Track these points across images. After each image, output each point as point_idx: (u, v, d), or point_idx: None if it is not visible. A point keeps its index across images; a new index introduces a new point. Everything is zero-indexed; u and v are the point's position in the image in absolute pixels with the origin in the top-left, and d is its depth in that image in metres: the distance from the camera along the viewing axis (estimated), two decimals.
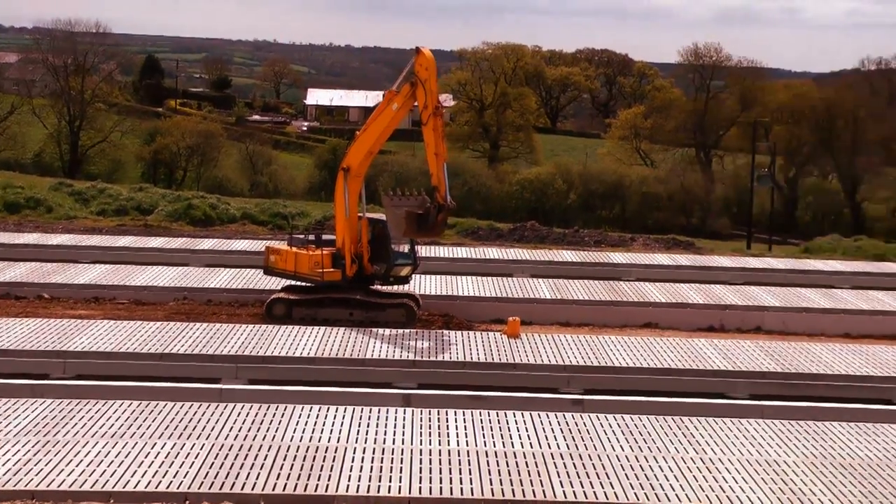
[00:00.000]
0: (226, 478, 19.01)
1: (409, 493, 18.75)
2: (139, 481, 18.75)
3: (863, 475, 20.51)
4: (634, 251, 51.95)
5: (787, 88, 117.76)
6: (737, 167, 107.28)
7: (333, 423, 22.24)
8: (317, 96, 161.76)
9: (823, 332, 36.46)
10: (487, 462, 20.27)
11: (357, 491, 18.72)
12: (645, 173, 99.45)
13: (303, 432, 21.62)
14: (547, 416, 23.26)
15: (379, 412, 22.99)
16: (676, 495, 19.09)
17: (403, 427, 22.12)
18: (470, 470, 19.81)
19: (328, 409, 23.06)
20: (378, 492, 18.73)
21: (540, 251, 48.08)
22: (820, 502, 19.07)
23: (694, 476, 20.03)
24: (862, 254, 59.49)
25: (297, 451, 20.45)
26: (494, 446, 21.23)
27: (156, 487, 18.55)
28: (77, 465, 19.37)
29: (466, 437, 21.70)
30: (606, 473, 19.94)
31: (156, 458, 19.85)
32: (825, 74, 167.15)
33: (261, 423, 22.02)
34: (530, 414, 23.31)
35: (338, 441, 21.17)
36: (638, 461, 20.70)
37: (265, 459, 19.93)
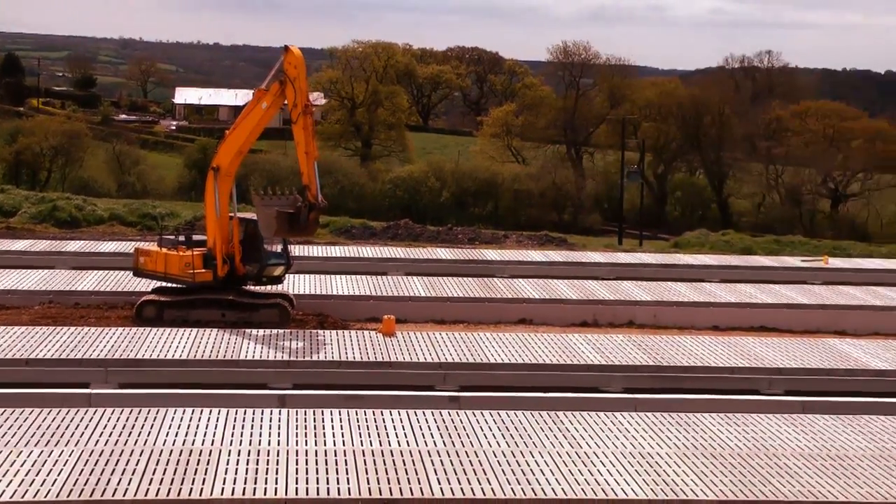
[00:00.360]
0: (96, 484, 18.53)
1: (286, 494, 18.51)
2: (4, 490, 18.15)
3: (732, 464, 20.89)
4: (508, 248, 52.28)
5: (654, 86, 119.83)
6: (607, 164, 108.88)
7: (207, 425, 21.87)
8: (185, 95, 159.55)
9: (693, 325, 37.14)
10: (364, 461, 20.13)
11: (232, 494, 18.42)
12: (517, 171, 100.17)
13: (175, 436, 21.21)
14: (423, 413, 23.21)
15: (253, 414, 22.68)
16: (552, 489, 19.19)
17: (279, 428, 21.85)
18: (346, 469, 19.64)
19: (201, 411, 22.67)
20: (253, 494, 18.45)
21: (414, 249, 48.09)
22: (692, 492, 19.35)
23: (569, 469, 20.16)
24: (729, 248, 60.82)
25: (169, 455, 20.05)
26: (371, 445, 21.10)
27: (23, 496, 17.97)
28: None
29: (342, 436, 21.53)
30: (483, 469, 19.96)
31: (22, 466, 19.25)
32: (691, 72, 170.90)
33: (132, 428, 21.54)
34: (406, 412, 23.22)
35: (212, 444, 20.82)
36: (514, 456, 20.77)
37: (137, 465, 19.49)
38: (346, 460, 20.12)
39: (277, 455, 20.25)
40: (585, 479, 19.71)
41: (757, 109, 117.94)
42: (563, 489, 19.22)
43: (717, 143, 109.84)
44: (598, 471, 20.20)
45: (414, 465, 20.05)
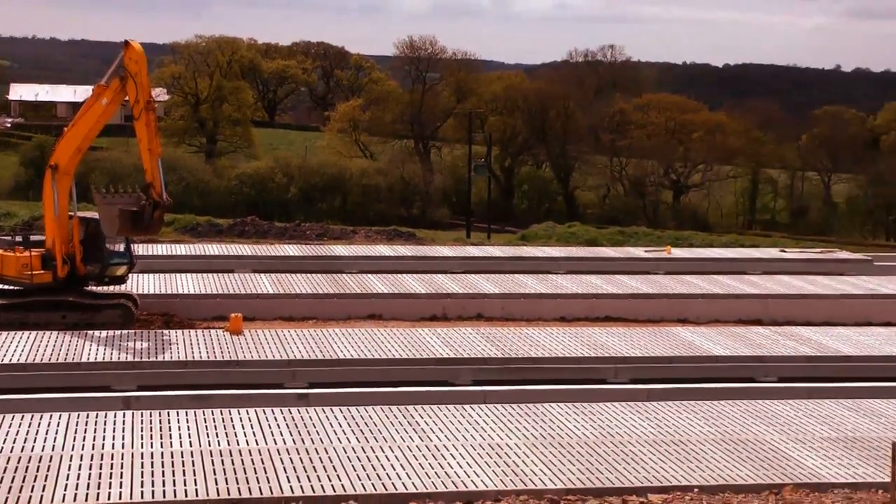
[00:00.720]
0: None
1: (131, 497, 18.10)
2: None
3: (580, 452, 21.18)
4: (357, 243, 52.12)
5: (500, 80, 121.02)
6: (454, 158, 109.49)
7: (48, 430, 21.25)
8: (20, 91, 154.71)
9: (541, 317, 37.56)
10: (212, 462, 19.81)
11: (75, 499, 17.92)
12: (365, 165, 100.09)
13: (14, 442, 20.56)
14: (272, 411, 22.96)
15: (97, 417, 22.13)
16: (403, 483, 19.18)
17: (123, 431, 21.36)
18: (194, 471, 19.30)
19: (42, 416, 22.03)
20: (97, 499, 17.98)
21: (261, 246, 47.57)
22: (541, 481, 19.55)
23: (420, 463, 20.18)
24: (576, 239, 61.80)
25: (7, 462, 19.40)
26: (219, 445, 20.77)
27: None
28: None
29: (189, 437, 21.16)
30: (333, 466, 19.83)
31: None
32: (537, 66, 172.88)
33: None
34: (255, 411, 22.95)
35: (52, 449, 20.23)
36: (364, 452, 20.70)
37: None
38: (193, 461, 19.78)
39: (122, 458, 19.79)
40: (436, 472, 19.75)
41: (601, 103, 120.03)
42: (413, 483, 19.22)
43: (562, 137, 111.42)
44: (449, 463, 20.26)
45: (263, 464, 19.82)
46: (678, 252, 50.06)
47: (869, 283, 42.46)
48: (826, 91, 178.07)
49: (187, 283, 37.62)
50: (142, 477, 18.95)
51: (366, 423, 22.49)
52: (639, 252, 49.66)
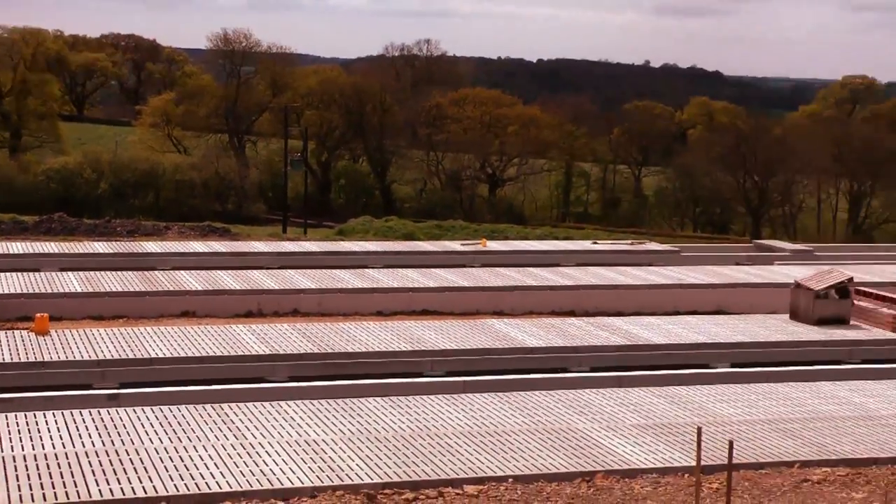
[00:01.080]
0: None
1: None
2: None
3: (396, 446, 21.17)
4: (169, 240, 51.10)
5: (316, 74, 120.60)
6: (270, 152, 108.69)
7: None
8: None
9: (358, 312, 37.48)
10: (15, 467, 19.07)
11: None
12: (178, 161, 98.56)
13: None
14: (80, 413, 22.27)
15: None
16: (217, 482, 18.83)
17: None
18: None
19: None
20: None
21: (69, 243, 46.19)
22: (357, 476, 19.45)
23: (234, 462, 19.85)
24: (393, 234, 61.97)
25: None
26: (23, 450, 20.01)
27: None
28: None
29: None
30: (144, 467, 19.34)
31: None
32: (353, 60, 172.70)
33: None
34: (62, 413, 22.22)
35: None
36: (177, 452, 20.25)
37: None
38: None
39: None
40: (251, 471, 19.46)
41: (417, 97, 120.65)
42: (227, 482, 18.89)
43: (379, 131, 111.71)
44: (264, 461, 20.00)
45: (70, 467, 19.18)
46: (494, 245, 50.62)
47: (677, 273, 43.67)
48: (636, 86, 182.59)
49: None
50: None
51: (178, 423, 22.03)
52: (455, 245, 50.02)
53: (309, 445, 21.01)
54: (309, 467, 19.79)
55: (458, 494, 19.18)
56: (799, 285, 35.45)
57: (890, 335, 33.42)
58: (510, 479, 19.80)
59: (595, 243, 52.74)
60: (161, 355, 27.73)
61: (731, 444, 18.12)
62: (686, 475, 20.36)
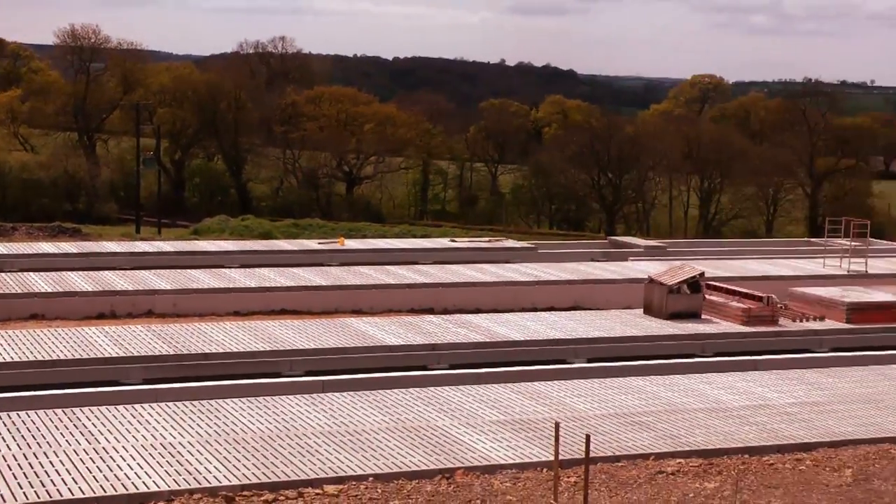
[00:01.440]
0: None
1: None
2: None
3: (255, 447, 20.93)
4: (17, 241, 49.74)
5: (168, 71, 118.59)
6: (122, 150, 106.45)
7: None
8: None
9: (214, 312, 36.95)
10: None
11: None
12: (26, 159, 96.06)
13: None
14: None
15: None
16: (69, 489, 18.34)
17: None
18: None
19: None
20: None
21: None
22: (215, 478, 19.16)
23: (87, 467, 19.37)
24: (249, 233, 61.34)
25: None
26: None
27: None
28: None
29: None
30: None
31: None
32: (206, 57, 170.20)
33: None
34: None
35: None
36: (27, 459, 19.68)
37: None
38: None
39: None
40: (105, 476, 19.00)
41: (273, 94, 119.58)
42: (80, 488, 18.41)
43: (233, 129, 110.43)
44: (119, 465, 19.56)
45: None
46: (351, 243, 50.46)
47: (534, 270, 44.11)
48: (492, 84, 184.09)
49: None
50: None
51: (28, 429, 21.42)
52: (312, 244, 49.69)
53: (165, 448, 20.63)
54: (165, 471, 19.42)
55: (318, 494, 19.05)
56: (652, 280, 36.14)
57: (740, 328, 34.29)
58: (370, 478, 19.73)
59: (453, 241, 52.96)
60: (8, 360, 26.91)
61: (588, 438, 18.36)
62: (545, 470, 20.56)
